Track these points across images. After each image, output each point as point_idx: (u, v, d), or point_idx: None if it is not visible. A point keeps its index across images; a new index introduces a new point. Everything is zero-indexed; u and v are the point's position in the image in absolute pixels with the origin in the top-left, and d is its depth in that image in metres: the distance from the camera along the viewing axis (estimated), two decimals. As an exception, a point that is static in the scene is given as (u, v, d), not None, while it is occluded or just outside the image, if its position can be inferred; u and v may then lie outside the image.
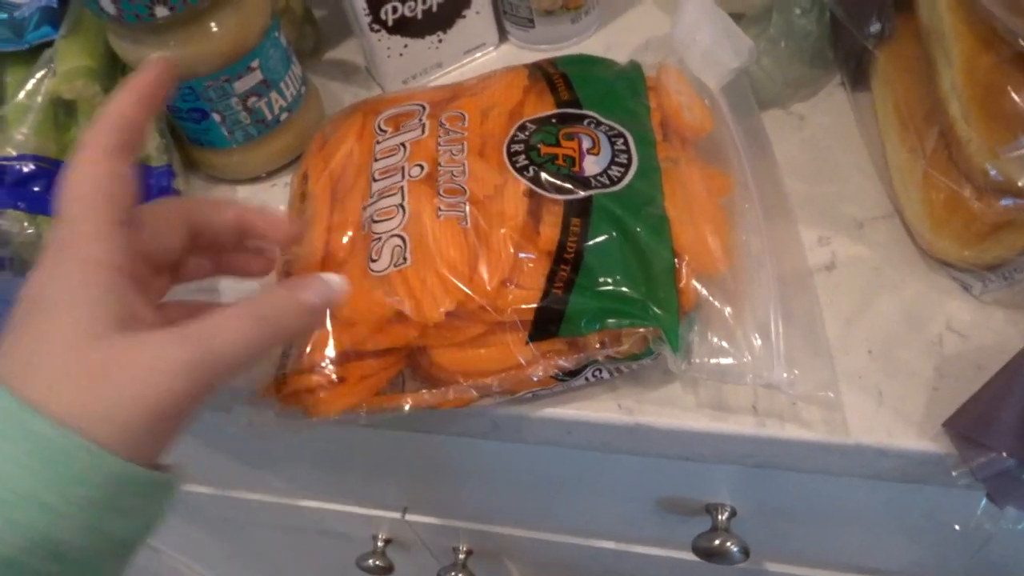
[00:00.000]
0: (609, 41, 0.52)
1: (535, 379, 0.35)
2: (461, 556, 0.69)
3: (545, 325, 0.34)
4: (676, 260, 0.35)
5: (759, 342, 0.34)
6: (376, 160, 0.40)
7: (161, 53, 0.42)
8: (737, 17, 0.42)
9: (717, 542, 0.47)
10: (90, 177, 0.27)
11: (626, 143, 0.38)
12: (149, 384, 0.25)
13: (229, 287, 0.45)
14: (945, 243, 0.36)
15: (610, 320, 0.34)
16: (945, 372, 0.35)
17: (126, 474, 0.24)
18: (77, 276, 0.25)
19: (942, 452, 0.33)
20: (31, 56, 0.46)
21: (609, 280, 0.34)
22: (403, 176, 0.38)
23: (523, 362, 0.35)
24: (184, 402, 0.25)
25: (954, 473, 0.32)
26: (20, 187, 0.41)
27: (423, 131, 0.40)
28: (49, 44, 0.46)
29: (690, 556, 0.50)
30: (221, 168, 0.50)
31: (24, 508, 0.23)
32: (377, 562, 0.69)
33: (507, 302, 0.34)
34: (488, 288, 0.34)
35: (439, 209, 0.36)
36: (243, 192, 0.50)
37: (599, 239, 0.35)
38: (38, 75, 0.44)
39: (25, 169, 0.41)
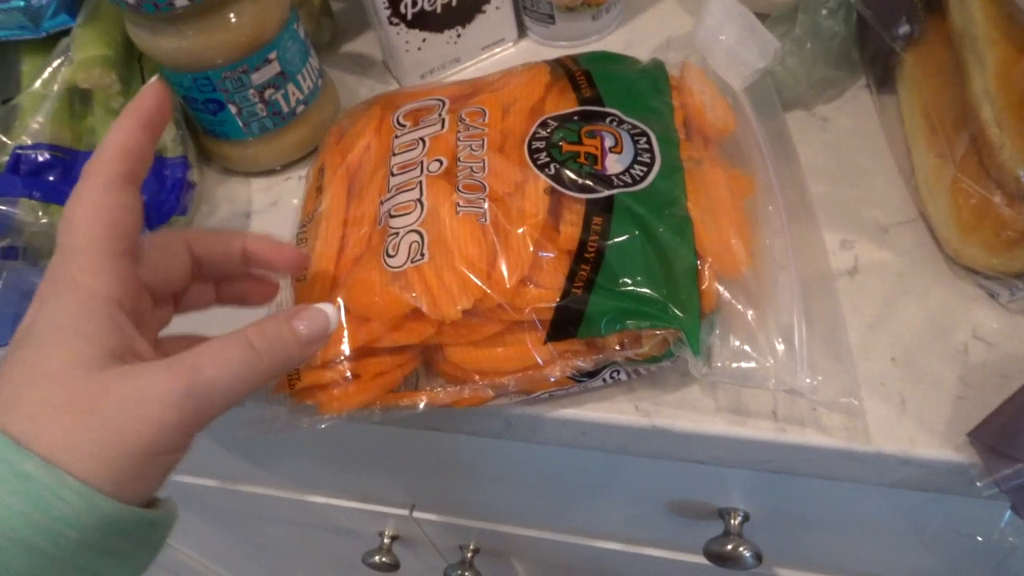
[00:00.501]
0: (630, 39, 0.52)
1: (552, 379, 0.34)
2: (468, 555, 0.68)
3: (564, 325, 0.34)
4: (698, 261, 0.35)
5: (782, 347, 0.34)
6: (395, 155, 0.40)
7: (179, 43, 0.41)
8: (762, 18, 0.41)
9: (729, 547, 0.46)
10: (91, 208, 0.27)
11: (649, 142, 0.38)
12: (138, 417, 0.24)
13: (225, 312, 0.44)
14: (973, 250, 0.35)
15: (630, 321, 0.33)
16: (970, 381, 0.34)
17: (118, 515, 0.23)
18: (73, 307, 0.25)
19: (966, 462, 0.32)
20: (48, 44, 0.46)
21: (630, 280, 0.34)
22: (422, 171, 0.38)
23: (540, 362, 0.34)
24: (175, 436, 0.24)
25: (979, 484, 0.31)
26: (35, 176, 0.41)
27: (442, 126, 0.39)
28: (66, 33, 0.45)
29: (701, 560, 0.49)
30: (236, 160, 0.49)
31: (15, 552, 0.22)
32: (383, 559, 0.69)
33: (525, 301, 0.33)
34: (506, 286, 0.33)
35: (458, 205, 0.35)
36: (257, 184, 0.50)
37: (621, 239, 0.34)
38: (55, 64, 0.44)
39: (40, 158, 0.41)
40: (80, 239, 0.26)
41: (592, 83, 0.40)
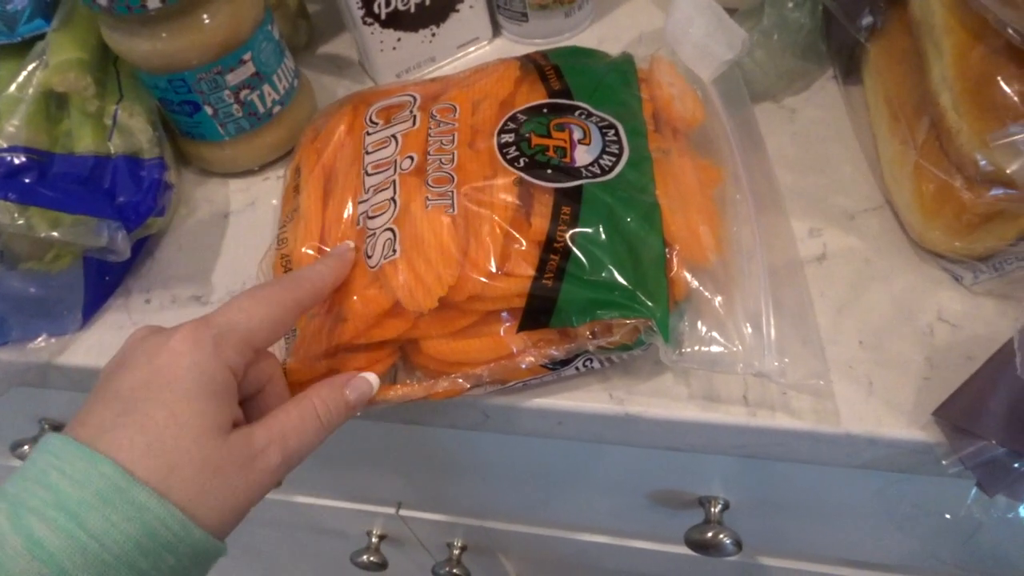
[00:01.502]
0: (602, 35, 0.53)
1: (525, 367, 0.35)
2: (456, 552, 0.69)
3: (536, 315, 0.34)
4: (667, 250, 0.35)
5: (750, 331, 0.34)
6: (368, 153, 0.40)
7: (153, 45, 0.42)
8: (730, 12, 0.42)
9: (710, 534, 0.47)
10: (275, 312, 0.32)
11: (617, 134, 0.38)
12: (248, 484, 0.29)
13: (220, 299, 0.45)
14: (936, 234, 0.36)
15: (600, 311, 0.34)
16: (936, 362, 0.35)
17: (207, 547, 0.28)
18: (214, 374, 0.29)
19: (932, 441, 0.33)
20: (23, 49, 0.46)
21: (599, 270, 0.34)
22: (395, 170, 0.38)
23: (514, 351, 0.35)
24: (263, 495, 0.30)
25: (944, 462, 0.32)
26: (11, 179, 0.41)
27: (414, 123, 0.40)
28: (41, 37, 0.45)
29: (683, 550, 0.50)
30: (213, 161, 0.50)
31: (121, 570, 0.25)
32: (371, 558, 0.69)
33: (497, 290, 0.34)
34: (477, 276, 0.34)
35: (427, 199, 0.36)
36: (235, 185, 0.50)
37: (589, 228, 0.35)
38: (30, 67, 0.44)
39: (16, 161, 0.41)
40: (251, 325, 0.31)
41: (561, 77, 0.41)
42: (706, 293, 0.35)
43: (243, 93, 0.46)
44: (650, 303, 0.34)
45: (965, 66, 0.33)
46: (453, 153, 0.38)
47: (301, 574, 0.88)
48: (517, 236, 0.35)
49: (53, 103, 0.45)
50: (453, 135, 0.39)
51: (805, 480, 0.44)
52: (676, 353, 0.34)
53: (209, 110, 0.46)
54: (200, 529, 0.27)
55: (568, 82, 0.41)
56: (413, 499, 0.65)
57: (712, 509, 0.48)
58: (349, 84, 0.55)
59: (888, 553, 0.50)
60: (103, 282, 0.45)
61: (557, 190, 0.35)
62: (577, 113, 0.39)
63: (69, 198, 0.40)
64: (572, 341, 0.35)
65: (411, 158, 0.38)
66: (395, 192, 0.37)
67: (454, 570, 0.68)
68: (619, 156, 0.37)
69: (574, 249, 0.34)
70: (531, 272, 0.34)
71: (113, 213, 0.41)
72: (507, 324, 0.35)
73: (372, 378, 0.34)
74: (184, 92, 0.44)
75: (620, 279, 0.34)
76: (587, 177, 0.36)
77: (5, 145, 0.42)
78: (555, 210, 0.35)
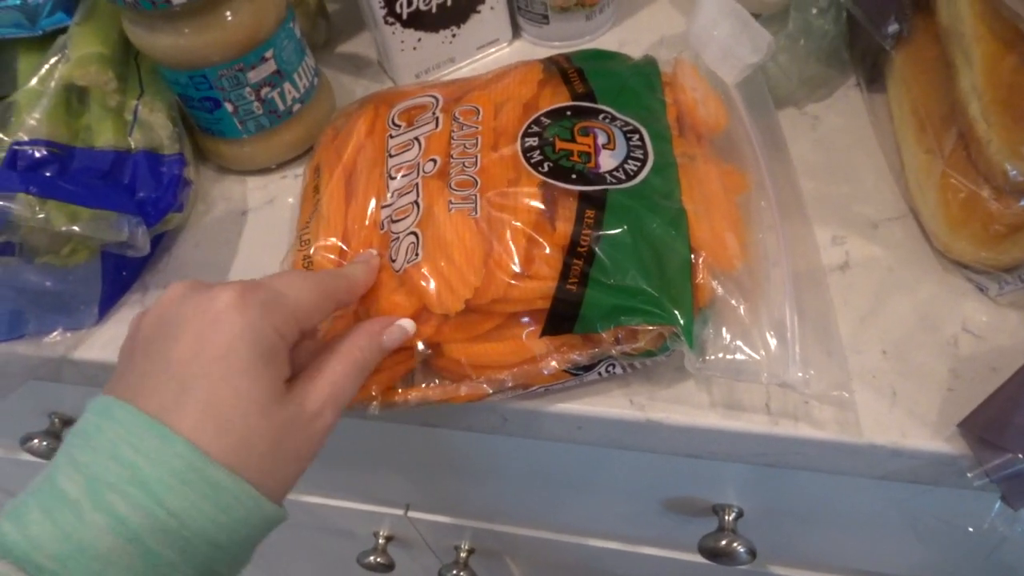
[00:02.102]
0: (623, 39, 0.52)
1: (547, 373, 0.34)
2: (463, 555, 0.68)
3: (560, 320, 0.34)
4: (692, 256, 0.35)
5: (774, 341, 0.34)
6: (391, 156, 0.40)
7: (175, 41, 0.42)
8: (754, 17, 0.42)
9: (723, 543, 0.46)
10: (324, 288, 0.32)
11: (641, 139, 0.38)
12: (307, 448, 0.29)
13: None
14: (962, 244, 0.36)
15: (624, 318, 0.33)
16: (960, 373, 0.34)
17: (275, 516, 0.28)
18: (269, 344, 0.29)
19: (956, 453, 0.33)
20: (45, 43, 0.46)
21: (624, 276, 0.34)
22: (418, 173, 0.38)
23: (536, 356, 0.35)
24: (323, 446, 0.30)
25: (969, 475, 0.32)
26: (31, 172, 0.41)
27: (436, 125, 0.40)
28: (63, 30, 0.45)
29: (695, 558, 0.50)
30: (232, 159, 0.49)
31: (200, 545, 0.26)
32: (378, 559, 0.69)
33: (521, 293, 0.34)
34: (502, 279, 0.34)
35: (450, 202, 0.36)
36: (253, 183, 0.50)
37: (614, 233, 0.35)
38: (51, 61, 0.44)
39: (37, 154, 0.41)
40: (300, 296, 0.31)
41: (585, 80, 0.41)
42: (731, 300, 0.35)
43: (264, 91, 0.46)
44: (675, 310, 0.33)
45: (996, 75, 0.33)
46: (476, 156, 0.37)
47: (307, 574, 0.88)
48: (541, 240, 0.35)
49: (74, 97, 0.44)
50: (477, 138, 0.38)
51: (822, 490, 0.43)
52: (700, 360, 0.34)
53: (229, 107, 0.46)
54: (270, 502, 0.27)
55: (592, 85, 0.41)
56: (422, 501, 0.65)
57: (726, 517, 0.48)
58: (368, 83, 0.54)
59: (907, 566, 0.50)
60: (120, 277, 0.45)
61: (581, 194, 0.35)
62: (601, 117, 0.39)
63: (89, 192, 0.40)
64: (596, 346, 0.34)
65: (434, 161, 0.38)
66: (418, 196, 0.37)
67: (461, 573, 0.68)
68: (644, 161, 0.37)
69: (599, 254, 0.34)
70: (555, 276, 0.34)
71: (133, 208, 0.41)
72: (530, 329, 0.35)
73: (408, 324, 0.34)
74: (205, 89, 0.44)
75: (645, 285, 0.34)
76: (612, 183, 0.36)
77: (26, 138, 0.41)
78: (579, 215, 0.35)
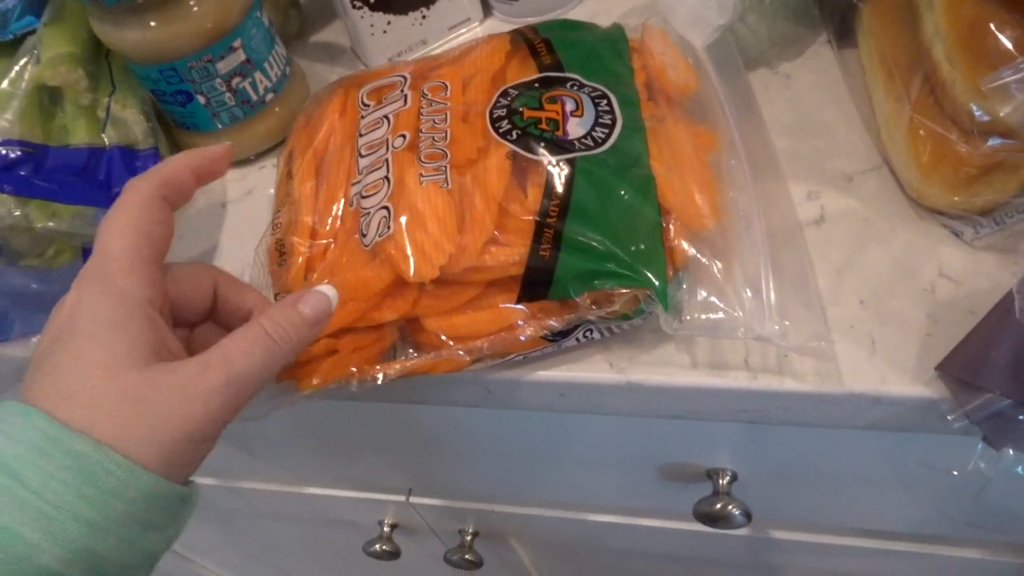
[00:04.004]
0: (595, 10, 0.52)
1: (525, 339, 0.34)
2: (467, 538, 0.69)
3: (535, 286, 0.34)
4: (663, 218, 0.35)
5: (750, 296, 0.34)
6: (361, 135, 0.40)
7: (142, 34, 0.42)
8: (720, -22, 0.42)
9: (719, 506, 0.46)
10: (130, 217, 0.30)
11: (610, 104, 0.38)
12: (185, 406, 0.27)
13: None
14: (934, 190, 0.36)
15: (598, 282, 0.33)
16: (938, 318, 0.34)
17: (159, 490, 0.26)
18: (113, 305, 0.28)
19: (936, 397, 0.32)
20: (15, 46, 0.46)
21: (595, 241, 0.34)
22: (387, 149, 0.38)
23: (514, 324, 0.35)
24: (215, 423, 0.28)
25: (949, 417, 0.32)
26: (6, 172, 0.41)
27: (405, 102, 0.40)
28: (32, 33, 0.46)
29: (693, 526, 0.50)
30: (209, 152, 0.50)
31: (66, 522, 0.24)
32: (384, 547, 0.69)
33: (494, 260, 0.34)
34: (475, 247, 0.34)
35: (421, 175, 0.36)
36: (232, 175, 0.50)
37: (583, 200, 0.35)
38: (21, 62, 0.44)
39: (11, 154, 0.41)
40: (116, 244, 0.29)
41: (552, 50, 0.41)
42: (704, 260, 0.35)
43: (235, 81, 0.46)
44: (648, 272, 0.33)
45: (956, 15, 0.33)
46: (446, 130, 0.37)
47: (314, 567, 0.89)
48: (512, 208, 0.35)
49: (46, 97, 0.45)
50: (445, 112, 0.38)
51: (812, 447, 0.43)
52: (677, 321, 0.34)
53: (202, 99, 0.46)
54: (144, 469, 0.25)
55: (559, 55, 0.40)
56: (423, 485, 0.65)
57: (720, 481, 0.48)
58: (342, 71, 0.55)
59: (899, 519, 0.50)
60: (103, 275, 0.45)
61: (551, 163, 0.35)
62: (569, 84, 0.39)
63: (65, 189, 0.41)
64: (572, 312, 0.34)
65: (403, 136, 0.38)
66: (388, 170, 0.37)
67: (466, 556, 0.68)
68: (612, 127, 0.37)
69: (570, 219, 0.34)
70: (527, 243, 0.34)
71: (109, 203, 0.41)
72: (506, 295, 0.35)
73: (328, 290, 0.32)
74: (176, 82, 0.45)
75: (617, 249, 0.34)
76: (580, 150, 0.36)
77: (-1, 139, 0.42)
78: (548, 183, 0.35)
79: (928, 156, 0.35)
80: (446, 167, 0.36)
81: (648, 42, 0.42)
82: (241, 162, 0.51)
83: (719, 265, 0.35)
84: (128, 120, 0.45)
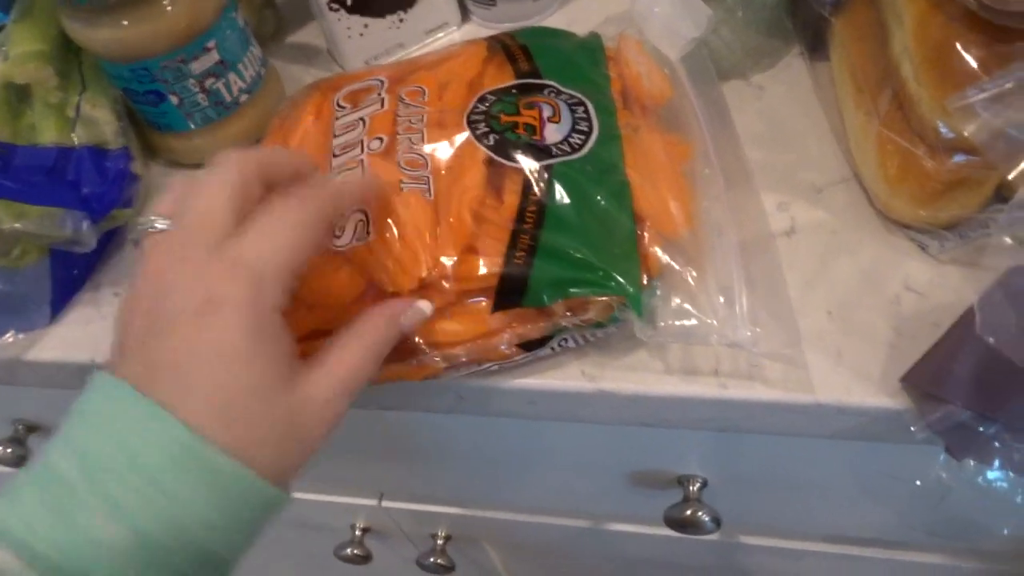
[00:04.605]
0: (571, 18, 0.52)
1: (503, 348, 0.35)
2: (440, 542, 0.69)
3: (509, 294, 0.34)
4: (638, 226, 0.35)
5: (723, 303, 0.34)
6: (336, 136, 0.40)
7: (114, 33, 0.41)
8: (696, -10, 0.42)
9: (688, 512, 0.47)
10: (295, 229, 0.29)
11: (587, 111, 0.38)
12: (319, 432, 0.29)
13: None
14: (901, 204, 0.36)
15: (573, 289, 0.34)
16: (903, 331, 0.35)
17: (277, 500, 0.28)
18: (264, 326, 0.28)
19: (900, 408, 0.33)
20: (-18, 42, 0.45)
21: (571, 248, 0.34)
22: (362, 150, 0.38)
23: (489, 332, 0.35)
24: (336, 429, 0.30)
25: (912, 428, 0.32)
26: (-28, 171, 0.40)
27: (382, 105, 0.40)
28: (0, 29, 0.45)
29: (664, 531, 0.50)
30: (181, 152, 0.49)
31: (197, 530, 0.26)
32: (355, 551, 0.69)
33: (470, 270, 0.34)
34: (451, 255, 0.34)
35: (401, 182, 0.36)
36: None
37: (560, 206, 0.35)
38: (-11, 59, 0.43)
39: (-23, 153, 0.41)
40: (278, 257, 0.28)
41: (529, 57, 0.41)
42: (678, 267, 0.35)
43: (208, 82, 0.45)
44: (622, 279, 0.34)
45: (925, 35, 0.33)
46: (423, 133, 0.37)
47: (284, 570, 0.88)
48: (488, 215, 0.35)
49: (15, 95, 0.44)
50: (422, 116, 0.38)
51: (781, 454, 0.44)
52: (651, 328, 0.34)
53: (174, 100, 0.45)
54: (270, 485, 0.27)
55: (537, 62, 0.41)
56: (395, 489, 0.65)
57: (691, 488, 0.48)
58: (318, 73, 0.54)
59: (864, 526, 0.51)
60: (71, 276, 0.45)
61: (527, 170, 0.35)
62: (546, 91, 0.39)
63: (33, 190, 0.40)
64: (547, 319, 0.35)
65: (380, 139, 0.38)
66: (363, 173, 0.37)
67: (439, 560, 0.68)
68: (589, 133, 0.37)
69: (545, 226, 0.34)
70: (503, 251, 0.34)
71: (78, 204, 0.41)
72: (481, 303, 0.35)
73: (425, 306, 0.33)
74: (148, 81, 0.44)
75: (591, 257, 0.34)
76: (557, 155, 0.36)
77: (-35, 138, 0.41)
78: (525, 189, 0.35)
79: (895, 170, 0.36)
80: (428, 176, 0.36)
81: (624, 51, 0.42)
82: (214, 163, 0.50)
83: (693, 273, 0.35)
84: (99, 119, 0.45)
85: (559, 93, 0.39)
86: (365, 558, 0.69)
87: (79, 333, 0.44)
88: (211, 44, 0.44)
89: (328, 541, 0.70)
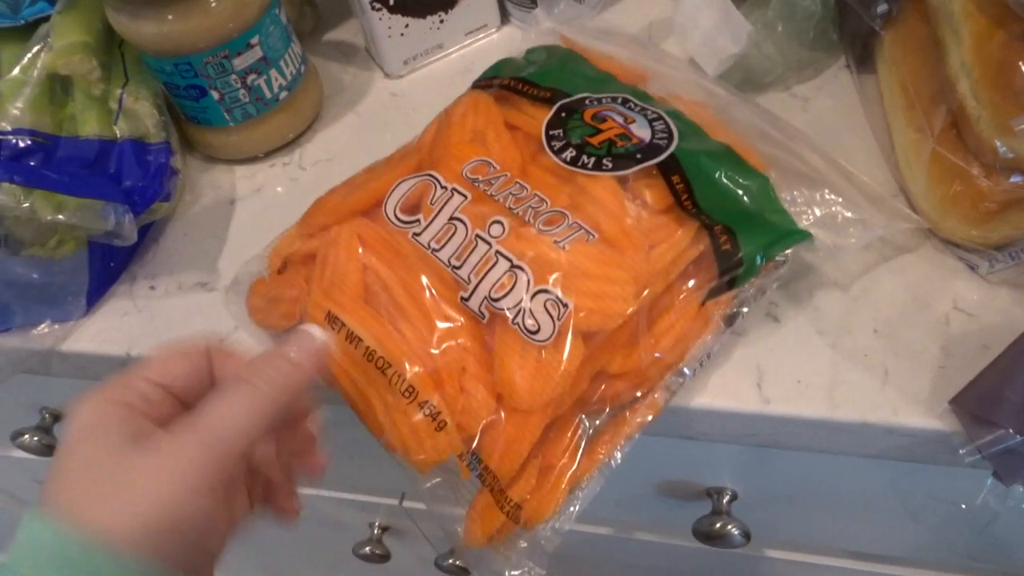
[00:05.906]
0: (611, 22, 0.52)
1: (714, 336, 0.34)
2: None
3: (725, 283, 0.34)
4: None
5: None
6: (436, 250, 0.34)
7: (159, 27, 0.41)
8: (739, 2, 0.42)
9: (718, 525, 0.46)
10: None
11: (637, 103, 0.37)
12: (164, 478, 0.25)
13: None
14: (952, 223, 0.36)
15: (772, 250, 0.33)
16: (951, 351, 0.34)
17: (133, 565, 0.25)
18: (99, 411, 0.27)
19: (948, 430, 0.33)
20: (26, 32, 0.45)
21: (741, 213, 0.34)
22: (490, 245, 0.33)
23: (708, 317, 0.34)
24: (200, 490, 0.26)
25: (961, 451, 0.32)
26: (16, 161, 0.40)
27: (465, 196, 0.35)
28: (45, 19, 0.45)
29: (690, 543, 0.50)
30: (219, 147, 0.49)
31: None
32: (374, 550, 0.69)
33: (661, 266, 0.33)
34: (651, 270, 0.33)
35: (555, 242, 0.33)
36: (241, 171, 0.50)
37: (706, 183, 0.34)
38: (34, 50, 0.43)
39: (21, 144, 0.41)
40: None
41: (536, 84, 0.39)
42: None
43: (250, 78, 0.45)
44: (793, 224, 0.34)
45: (985, 53, 0.33)
46: (535, 194, 0.35)
47: (303, 567, 0.88)
48: (659, 220, 0.34)
49: (58, 86, 0.44)
50: (512, 180, 0.35)
51: (816, 470, 0.43)
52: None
53: (215, 95, 0.45)
54: (108, 552, 0.25)
55: (550, 85, 0.39)
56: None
57: (720, 500, 0.48)
58: (356, 71, 0.54)
59: (900, 545, 0.50)
60: (107, 268, 0.45)
61: (658, 167, 0.34)
62: (588, 102, 0.38)
63: (75, 181, 0.40)
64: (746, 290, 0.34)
65: (500, 223, 0.34)
66: (510, 260, 0.33)
67: (457, 562, 0.67)
68: (662, 118, 0.36)
69: (711, 206, 0.34)
70: (695, 239, 0.34)
71: (119, 197, 0.41)
72: (695, 295, 0.34)
73: (314, 329, 0.30)
74: (190, 76, 0.44)
75: (767, 214, 0.34)
76: (666, 145, 0.35)
77: (9, 128, 0.41)
78: (669, 183, 0.34)
79: (948, 189, 0.35)
80: (579, 223, 0.33)
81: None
82: (251, 159, 0.50)
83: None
84: (140, 113, 0.45)
85: (600, 100, 0.38)
86: (384, 557, 0.69)
87: (114, 325, 0.44)
88: (255, 40, 0.44)
89: (347, 539, 0.70)
